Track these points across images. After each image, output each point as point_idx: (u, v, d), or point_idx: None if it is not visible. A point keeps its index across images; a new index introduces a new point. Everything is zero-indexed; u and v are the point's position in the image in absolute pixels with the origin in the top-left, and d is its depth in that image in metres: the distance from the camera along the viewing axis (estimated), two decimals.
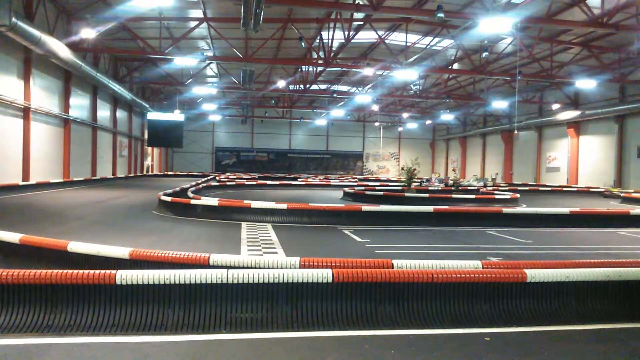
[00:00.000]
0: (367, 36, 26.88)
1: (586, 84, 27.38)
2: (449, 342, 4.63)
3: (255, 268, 5.42)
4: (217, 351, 4.24)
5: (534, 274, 5.25)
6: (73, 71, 24.49)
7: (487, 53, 23.67)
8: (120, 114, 38.23)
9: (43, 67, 23.69)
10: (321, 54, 25.98)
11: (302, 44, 23.91)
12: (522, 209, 16.79)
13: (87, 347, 4.23)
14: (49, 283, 4.71)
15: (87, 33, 21.52)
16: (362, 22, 23.22)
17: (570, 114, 34.21)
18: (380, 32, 25.48)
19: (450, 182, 30.47)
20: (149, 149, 47.87)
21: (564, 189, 31.48)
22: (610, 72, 27.49)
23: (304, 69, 34.15)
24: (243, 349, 4.28)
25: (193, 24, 24.34)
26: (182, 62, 27.49)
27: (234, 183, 30.25)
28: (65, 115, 26.53)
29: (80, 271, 4.75)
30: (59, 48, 20.69)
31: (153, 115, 40.47)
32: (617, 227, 13.65)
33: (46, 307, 4.72)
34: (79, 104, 29.39)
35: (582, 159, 35.02)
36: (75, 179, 26.85)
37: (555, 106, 35.78)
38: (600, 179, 32.68)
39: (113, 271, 4.77)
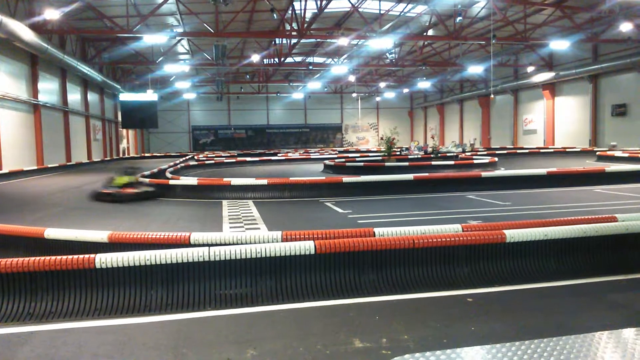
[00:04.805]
0: (340, 5, 26.43)
1: (560, 45, 27.53)
2: (432, 305, 4.70)
3: (237, 244, 5.38)
4: (202, 328, 4.23)
5: (513, 234, 5.33)
6: (39, 54, 23.64)
7: (461, 18, 23.56)
8: (92, 96, 37.27)
9: (7, 52, 22.83)
10: (294, 25, 25.49)
11: (275, 15, 23.44)
12: (501, 172, 17.03)
13: (70, 333, 4.19)
14: (27, 271, 4.61)
15: (51, 14, 20.75)
16: None
17: (545, 76, 34.47)
18: (354, 0, 25.09)
19: (430, 150, 30.67)
20: (124, 131, 46.92)
21: (541, 150, 31.95)
22: (582, 32, 27.61)
23: (277, 42, 33.54)
24: (229, 325, 4.28)
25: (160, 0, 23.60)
26: (151, 39, 26.78)
27: (212, 162, 29.92)
28: (35, 100, 25.76)
29: (59, 257, 4.66)
30: (22, 30, 19.88)
31: (125, 96, 39.30)
32: (593, 185, 13.94)
33: (26, 296, 4.63)
34: (48, 89, 28.53)
35: (558, 120, 35.48)
36: (49, 166, 26.24)
37: (530, 69, 35.98)
38: (577, 138, 33.21)
39: (92, 255, 4.69)
